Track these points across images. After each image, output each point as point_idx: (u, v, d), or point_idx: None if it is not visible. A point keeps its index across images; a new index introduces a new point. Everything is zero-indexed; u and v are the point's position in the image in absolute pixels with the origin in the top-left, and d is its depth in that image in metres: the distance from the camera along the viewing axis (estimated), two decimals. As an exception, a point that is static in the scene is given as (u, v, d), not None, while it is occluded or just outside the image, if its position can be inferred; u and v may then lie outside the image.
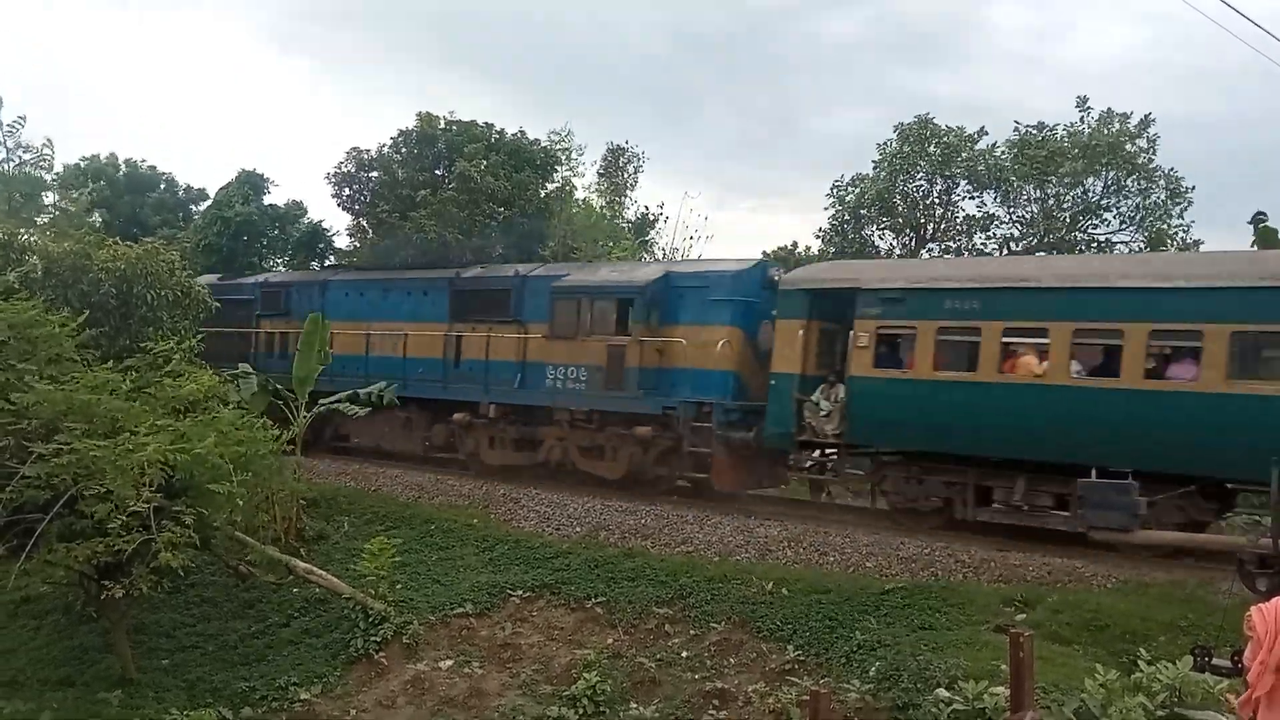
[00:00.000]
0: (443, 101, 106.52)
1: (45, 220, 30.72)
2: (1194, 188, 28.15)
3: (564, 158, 34.97)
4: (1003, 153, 29.18)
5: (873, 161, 30.71)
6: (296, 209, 36.39)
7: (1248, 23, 12.47)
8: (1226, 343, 12.52)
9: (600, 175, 39.06)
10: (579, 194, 37.73)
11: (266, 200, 36.12)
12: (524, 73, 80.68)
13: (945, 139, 29.37)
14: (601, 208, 37.33)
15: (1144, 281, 13.70)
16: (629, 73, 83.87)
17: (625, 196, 39.49)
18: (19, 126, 31.68)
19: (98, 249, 17.16)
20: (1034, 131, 28.93)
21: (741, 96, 78.20)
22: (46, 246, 17.00)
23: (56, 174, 37.62)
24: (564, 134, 35.78)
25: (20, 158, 32.22)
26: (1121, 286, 13.65)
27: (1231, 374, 12.50)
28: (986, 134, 29.55)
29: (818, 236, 32.44)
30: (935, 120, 29.82)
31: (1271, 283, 12.58)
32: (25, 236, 18.50)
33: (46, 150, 33.37)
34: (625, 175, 39.40)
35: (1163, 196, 28.33)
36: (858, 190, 30.82)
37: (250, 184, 35.53)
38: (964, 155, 29.28)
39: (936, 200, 30.57)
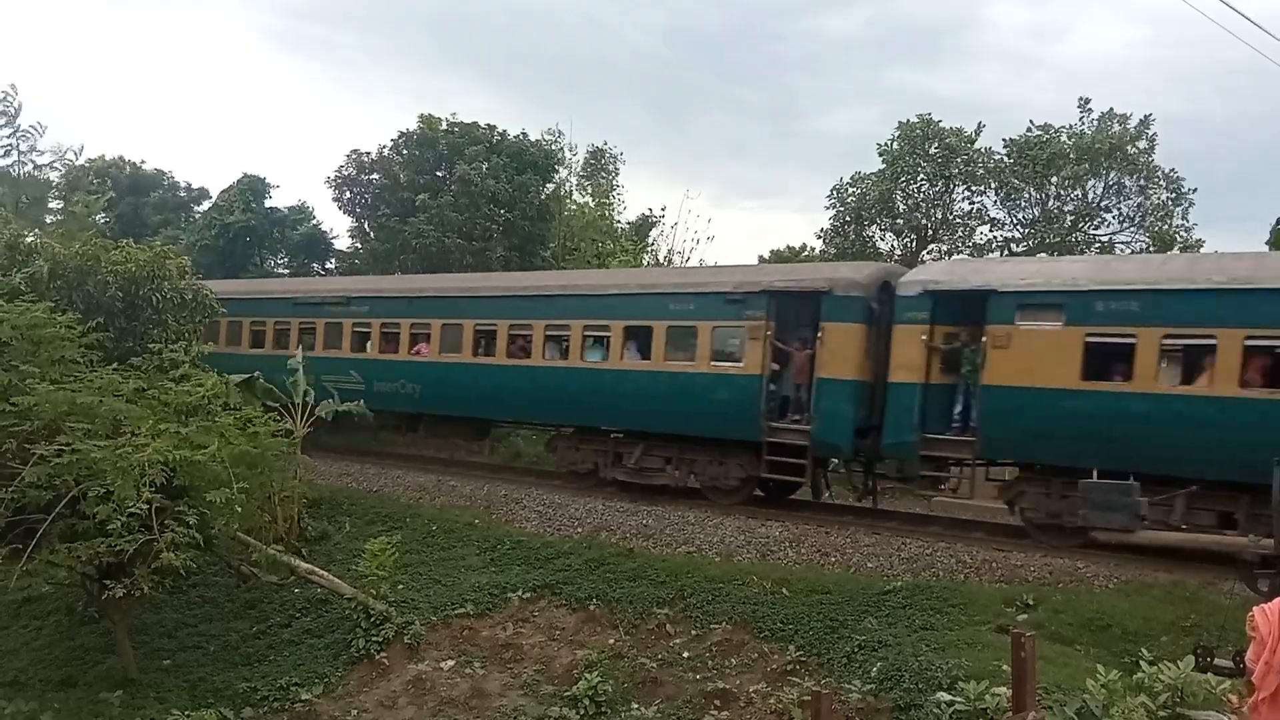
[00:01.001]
0: (442, 100, 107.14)
1: (52, 222, 30.78)
2: (1196, 189, 28.19)
3: (560, 158, 35.00)
4: (1001, 155, 29.16)
5: (878, 152, 30.65)
6: (299, 212, 36.45)
7: (1247, 21, 12.51)
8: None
9: (582, 177, 39.15)
10: (576, 195, 37.81)
11: (268, 203, 36.23)
12: (523, 73, 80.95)
13: (946, 140, 29.37)
14: (590, 208, 37.35)
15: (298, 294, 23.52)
16: (628, 72, 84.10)
17: (610, 197, 39.59)
18: (35, 133, 31.73)
19: (107, 251, 17.14)
20: (1039, 133, 28.91)
21: (741, 96, 78.38)
22: (53, 248, 16.97)
23: (64, 173, 37.71)
24: (556, 134, 35.81)
25: (34, 161, 32.30)
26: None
27: (383, 350, 21.32)
28: (985, 127, 29.59)
29: (819, 237, 32.50)
30: (938, 121, 29.84)
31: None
32: (31, 238, 18.47)
33: (70, 155, 33.41)
34: (607, 175, 39.49)
35: (1164, 197, 28.34)
36: (859, 191, 30.81)
37: (251, 188, 35.62)
38: (963, 158, 29.28)
39: (936, 201, 30.58)
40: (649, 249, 37.70)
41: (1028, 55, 70.73)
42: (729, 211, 69.66)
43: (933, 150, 29.52)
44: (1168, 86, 62.48)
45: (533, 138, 33.35)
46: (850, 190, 31.17)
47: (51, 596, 14.93)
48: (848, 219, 31.17)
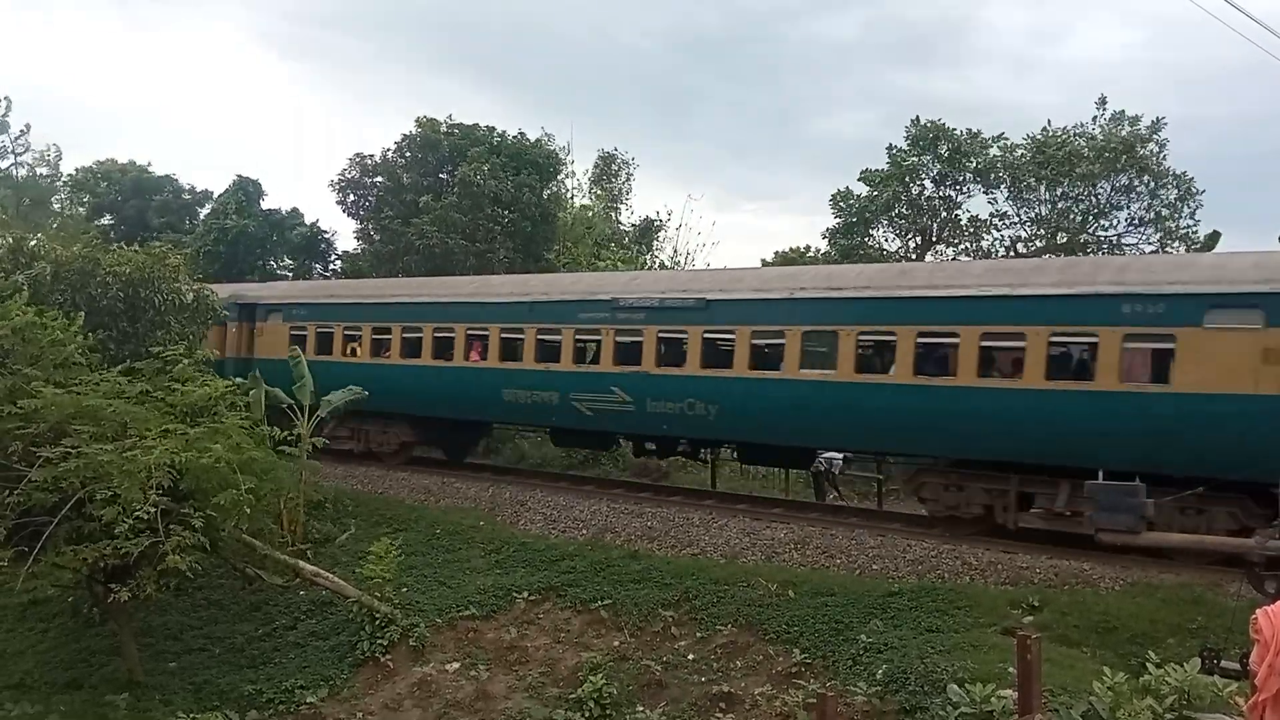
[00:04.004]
0: (442, 103, 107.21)
1: (54, 225, 30.89)
2: (1204, 191, 28.09)
3: (558, 160, 35.00)
4: (1021, 153, 29.09)
5: (889, 158, 30.59)
6: (294, 216, 36.60)
7: (1247, 20, 12.47)
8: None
9: (593, 183, 39.05)
10: (575, 198, 37.76)
11: (265, 204, 36.38)
12: (524, 77, 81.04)
13: (957, 142, 29.36)
14: (593, 214, 37.26)
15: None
16: (629, 76, 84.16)
17: (621, 204, 39.48)
18: (24, 133, 31.96)
19: (105, 253, 17.17)
20: (1057, 134, 28.89)
21: (741, 99, 78.41)
22: (54, 251, 17.01)
23: (68, 177, 37.91)
24: (548, 138, 35.80)
25: (28, 164, 32.50)
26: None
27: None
28: (1006, 138, 29.54)
29: (824, 237, 32.45)
30: (947, 125, 29.82)
31: None
32: (33, 242, 18.53)
33: (52, 154, 33.63)
34: (619, 182, 39.37)
35: (1174, 197, 28.24)
36: (864, 196, 30.77)
37: (244, 191, 35.76)
38: (975, 162, 29.24)
39: (940, 203, 30.54)
40: (654, 252, 37.66)
41: (1027, 57, 70.73)
42: (731, 214, 69.67)
43: (942, 150, 29.49)
44: (1166, 88, 62.46)
45: (539, 137, 33.45)
46: (854, 197, 31.11)
47: (57, 599, 14.96)
48: (853, 220, 31.12)
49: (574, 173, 38.16)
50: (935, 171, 29.88)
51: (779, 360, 16.11)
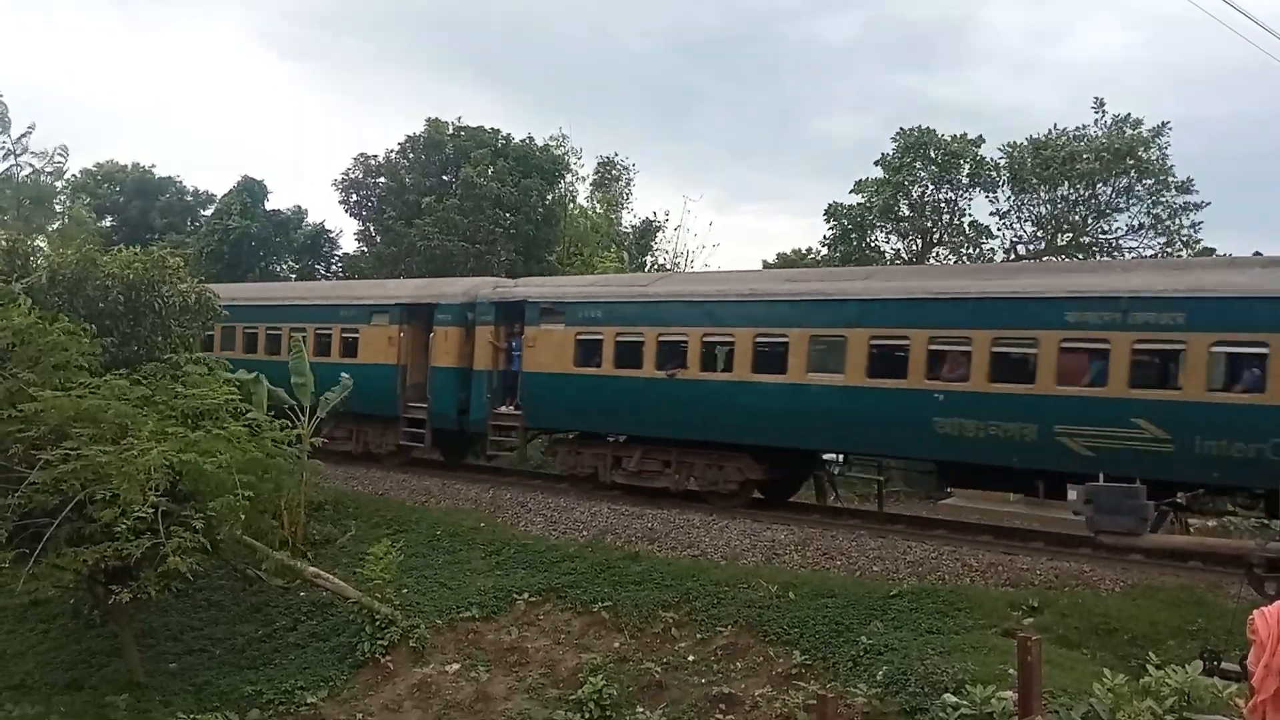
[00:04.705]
0: (442, 103, 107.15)
1: (55, 227, 30.87)
2: (1210, 203, 28.01)
3: (566, 163, 34.97)
4: (1025, 153, 29.07)
5: (883, 168, 30.62)
6: (297, 215, 36.56)
7: (1247, 20, 12.49)
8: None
9: (594, 187, 39.06)
10: (581, 200, 37.75)
11: (269, 205, 36.38)
12: (523, 79, 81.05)
13: (947, 146, 29.36)
14: (594, 215, 37.25)
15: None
16: (629, 77, 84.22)
17: (622, 209, 39.48)
18: (27, 134, 31.93)
19: (103, 255, 17.10)
20: (1059, 135, 28.87)
21: (741, 99, 78.45)
22: (52, 256, 16.98)
23: (71, 178, 37.88)
24: (559, 139, 35.73)
25: (32, 165, 32.46)
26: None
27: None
28: (984, 142, 29.55)
29: (824, 244, 32.40)
30: (935, 130, 29.82)
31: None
32: (30, 244, 18.49)
33: (60, 156, 33.61)
34: (619, 187, 39.37)
35: (1176, 201, 28.17)
36: (862, 199, 30.75)
37: (249, 191, 35.75)
38: (966, 164, 29.23)
39: (943, 205, 30.51)
40: (653, 253, 37.65)
41: (1027, 58, 70.74)
42: (731, 215, 69.69)
43: (933, 153, 29.49)
44: (1166, 88, 62.47)
45: (547, 142, 33.44)
46: (846, 209, 31.08)
47: (58, 600, 14.97)
48: (849, 226, 31.08)
49: (583, 177, 38.26)
50: (929, 175, 29.87)
51: (266, 347, 23.29)
